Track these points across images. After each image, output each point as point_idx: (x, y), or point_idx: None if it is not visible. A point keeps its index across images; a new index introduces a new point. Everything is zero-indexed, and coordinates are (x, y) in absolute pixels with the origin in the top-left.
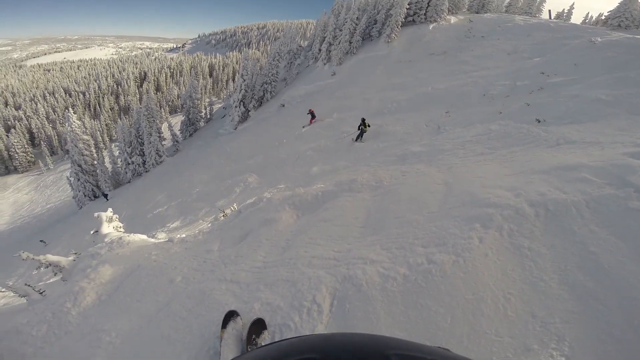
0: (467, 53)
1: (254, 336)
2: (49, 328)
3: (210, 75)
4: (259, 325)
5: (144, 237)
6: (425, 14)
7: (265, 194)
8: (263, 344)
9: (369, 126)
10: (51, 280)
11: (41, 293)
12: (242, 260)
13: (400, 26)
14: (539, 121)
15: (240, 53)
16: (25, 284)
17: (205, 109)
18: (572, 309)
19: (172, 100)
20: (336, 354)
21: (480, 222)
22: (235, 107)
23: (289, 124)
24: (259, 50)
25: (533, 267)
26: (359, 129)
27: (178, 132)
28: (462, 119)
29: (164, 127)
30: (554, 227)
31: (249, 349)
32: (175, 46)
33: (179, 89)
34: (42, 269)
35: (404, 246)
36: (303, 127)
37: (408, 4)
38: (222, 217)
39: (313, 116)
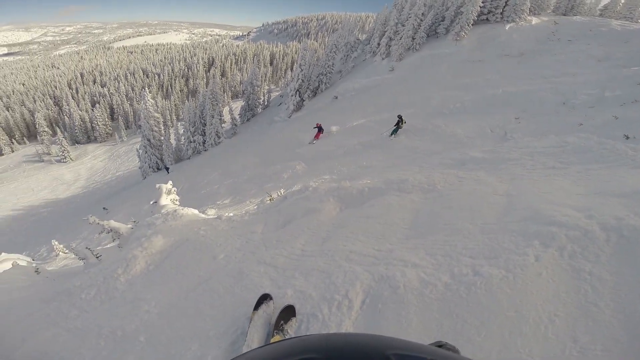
0: (548, 57)
1: (282, 322)
2: (97, 293)
3: (271, 64)
4: (288, 312)
5: (196, 211)
6: (501, 13)
7: (311, 182)
8: (289, 331)
9: (405, 122)
10: (108, 246)
11: (98, 257)
12: (282, 246)
13: (471, 24)
14: (628, 137)
15: (300, 43)
16: (86, 247)
17: (264, 96)
18: (619, 337)
19: (235, 85)
20: (336, 354)
21: (540, 239)
22: (291, 95)
23: (341, 117)
24: (317, 42)
25: (589, 292)
26: (396, 125)
27: (237, 117)
28: (534, 127)
29: (225, 110)
30: (625, 254)
31: (275, 334)
32: (241, 34)
33: (242, 75)
34: (103, 234)
35: (450, 254)
36: (309, 142)
37: (482, 2)
38: (269, 201)
39: (320, 130)
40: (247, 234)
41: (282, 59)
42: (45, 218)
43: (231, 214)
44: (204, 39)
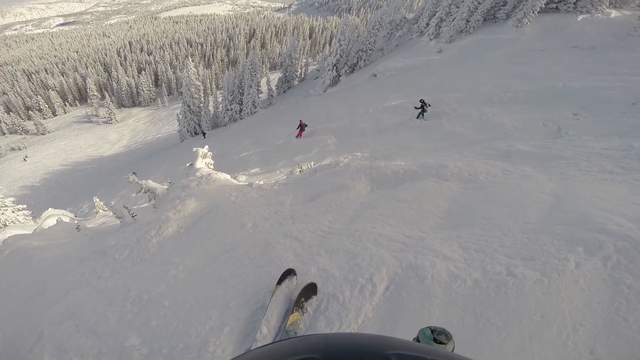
0: (624, 53)
1: (303, 299)
2: (130, 254)
3: (310, 37)
4: (310, 290)
5: (228, 177)
6: (575, 3)
7: (341, 158)
8: (309, 309)
9: (429, 106)
10: (144, 205)
11: (133, 217)
12: (309, 220)
13: (537, 12)
14: None
15: (340, 18)
16: (124, 206)
17: (301, 69)
18: (637, 355)
19: (274, 57)
20: (336, 354)
21: (585, 246)
22: (328, 70)
23: (378, 95)
24: (358, 17)
25: (622, 305)
26: (420, 107)
27: (274, 88)
28: (594, 126)
29: (263, 81)
30: None
31: (295, 310)
32: (282, 6)
33: (281, 47)
34: (141, 193)
35: (485, 250)
36: (289, 134)
37: None
38: (299, 172)
39: (302, 128)
40: (276, 205)
41: (321, 33)
42: (89, 174)
43: (261, 182)
44: (246, 10)
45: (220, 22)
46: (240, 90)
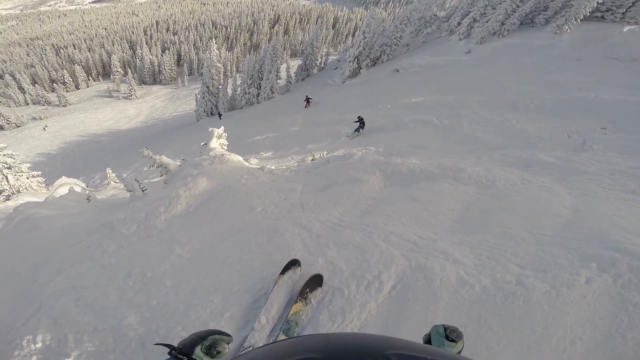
0: None
1: (307, 290)
2: (137, 229)
3: (333, 27)
4: (316, 281)
5: (241, 159)
6: (623, 13)
7: (355, 151)
8: (312, 301)
9: (364, 126)
10: (155, 180)
11: (143, 191)
12: (319, 210)
13: (580, 20)
14: None
15: (367, 10)
16: (135, 179)
17: (321, 58)
18: None
19: (295, 44)
20: (336, 354)
21: (599, 263)
22: (349, 62)
23: (398, 91)
24: (385, 11)
25: (624, 322)
26: (358, 122)
27: (293, 75)
28: (622, 142)
29: (283, 67)
30: None
31: (298, 301)
32: None
33: (304, 35)
34: (153, 167)
35: (496, 258)
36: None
37: None
38: (311, 161)
39: (308, 101)
40: (287, 191)
41: (345, 24)
42: (104, 146)
43: (273, 167)
44: None
45: (246, 6)
46: (260, 75)
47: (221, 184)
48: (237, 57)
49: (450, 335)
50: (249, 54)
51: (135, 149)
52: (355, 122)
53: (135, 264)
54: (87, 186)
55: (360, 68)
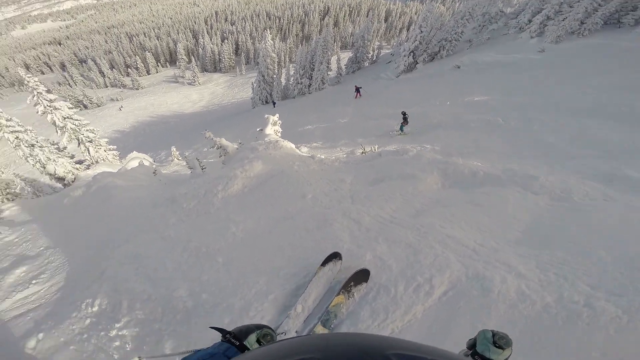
0: None
1: (352, 283)
2: (197, 204)
3: (385, 21)
4: (361, 276)
5: (293, 146)
6: None
7: (409, 147)
8: (355, 295)
9: (407, 121)
10: (212, 160)
11: (203, 169)
12: (369, 204)
13: None
14: None
15: (422, 4)
16: (196, 158)
17: (373, 51)
18: None
19: (346, 37)
20: (336, 354)
21: None
22: (404, 56)
23: (459, 88)
24: (444, 6)
25: None
26: (405, 121)
27: (343, 67)
28: None
29: (333, 59)
30: None
31: (341, 293)
32: None
33: (354, 27)
34: (213, 148)
35: (566, 276)
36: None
37: None
38: (361, 154)
39: (358, 91)
40: (337, 182)
41: (399, 18)
42: (171, 127)
43: (323, 157)
44: None
45: None
46: (311, 66)
47: (275, 169)
48: (290, 48)
49: (499, 341)
50: (301, 44)
51: (197, 131)
52: (404, 118)
53: (192, 239)
54: (154, 161)
55: (417, 63)
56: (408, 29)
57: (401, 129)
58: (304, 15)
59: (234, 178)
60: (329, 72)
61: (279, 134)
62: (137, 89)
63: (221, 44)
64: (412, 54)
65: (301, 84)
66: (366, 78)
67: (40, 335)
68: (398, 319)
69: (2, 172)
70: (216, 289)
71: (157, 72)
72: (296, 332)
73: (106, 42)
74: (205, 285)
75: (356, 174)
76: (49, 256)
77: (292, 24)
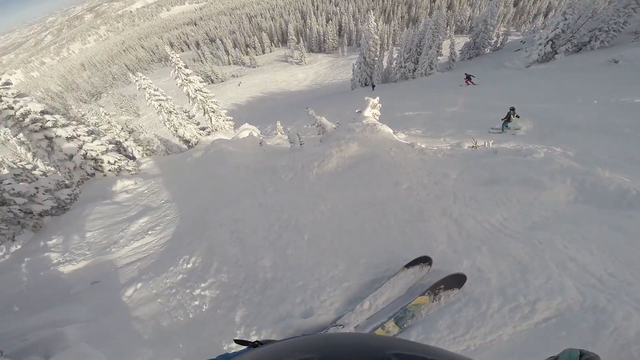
0: None
1: (442, 286)
2: (293, 177)
3: (515, 5)
4: (456, 281)
5: (391, 131)
6: None
7: (536, 147)
8: (442, 299)
9: (517, 117)
10: (311, 136)
11: (301, 144)
12: (475, 206)
13: None
14: None
15: None
16: (297, 134)
17: (498, 37)
18: None
19: (462, 20)
20: (336, 354)
21: None
22: (540, 44)
23: (613, 86)
24: None
25: None
26: (507, 118)
27: (457, 52)
28: None
29: (445, 44)
30: None
31: (427, 294)
32: None
33: (473, 11)
34: (314, 126)
35: None
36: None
37: None
38: (470, 148)
39: (469, 78)
40: (438, 175)
41: (533, 3)
42: (278, 103)
43: (423, 146)
44: None
45: None
46: (418, 50)
47: (370, 152)
48: (394, 30)
49: None
50: (407, 27)
51: (300, 108)
52: (510, 114)
53: (285, 209)
54: (261, 133)
55: (556, 53)
56: (545, 16)
57: (504, 126)
58: None
59: (329, 156)
60: (438, 57)
61: (377, 118)
62: (253, 67)
63: (326, 25)
64: (550, 42)
65: (404, 67)
66: (485, 66)
67: (139, 285)
68: (479, 337)
69: (146, 132)
70: (296, 265)
71: (270, 52)
72: (355, 327)
73: (230, 22)
74: (288, 259)
75: (463, 170)
76: (166, 209)
77: (397, 6)
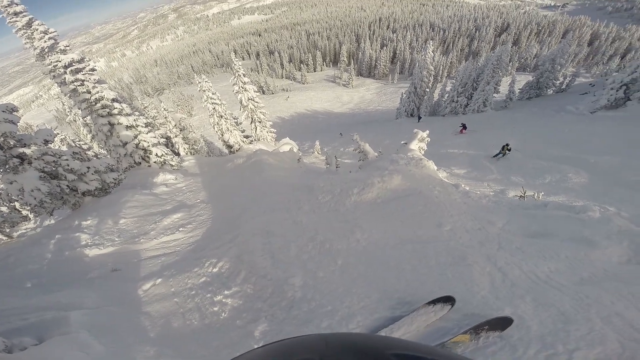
0: None
1: (486, 327)
2: (330, 200)
3: (589, 45)
4: (500, 323)
5: (435, 168)
6: None
7: (589, 204)
8: (481, 339)
9: (509, 150)
10: (347, 161)
11: (337, 167)
12: (521, 257)
13: None
14: None
15: None
16: (334, 156)
17: (564, 78)
18: None
19: (527, 58)
20: (336, 354)
21: None
22: (611, 88)
23: None
24: None
25: None
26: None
27: (517, 90)
28: None
29: (504, 80)
30: None
31: (469, 332)
32: (552, 4)
33: (540, 49)
34: (350, 149)
35: None
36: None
37: None
38: (518, 197)
39: (464, 127)
40: (483, 221)
41: (610, 43)
42: (319, 122)
43: (467, 189)
44: (501, 2)
45: (468, 10)
46: (474, 85)
47: (413, 188)
48: (450, 62)
49: None
50: (465, 60)
51: (339, 130)
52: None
53: (319, 231)
54: (299, 150)
55: (629, 99)
56: (622, 57)
57: (497, 155)
58: (474, 30)
59: (370, 185)
60: (495, 95)
61: (423, 152)
62: (303, 83)
63: (380, 50)
64: (624, 87)
65: (456, 102)
66: (544, 109)
67: (159, 280)
68: None
69: (195, 132)
70: (326, 289)
71: (321, 70)
72: None
73: (290, 37)
74: (318, 282)
75: (510, 220)
76: (200, 209)
77: (459, 38)
